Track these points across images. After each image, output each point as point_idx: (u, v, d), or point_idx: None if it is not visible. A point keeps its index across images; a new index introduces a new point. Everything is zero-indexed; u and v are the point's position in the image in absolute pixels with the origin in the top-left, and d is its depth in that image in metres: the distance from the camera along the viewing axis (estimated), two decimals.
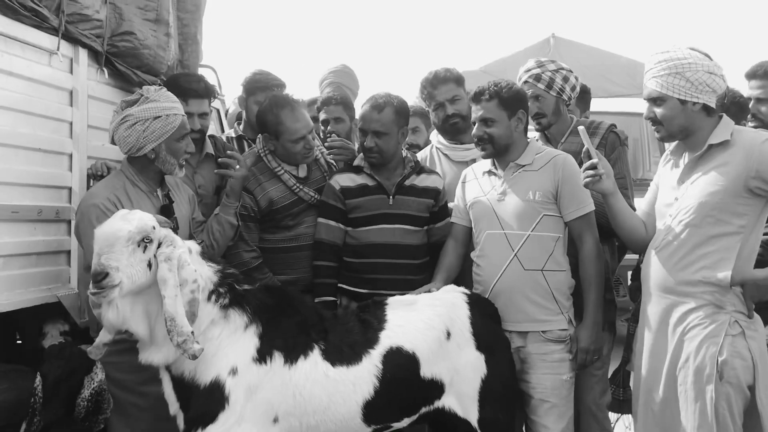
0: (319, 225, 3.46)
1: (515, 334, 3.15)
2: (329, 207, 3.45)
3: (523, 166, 3.21)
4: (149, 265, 2.44)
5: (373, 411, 2.66)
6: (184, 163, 3.14)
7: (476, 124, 3.21)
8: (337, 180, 3.47)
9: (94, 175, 3.33)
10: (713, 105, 2.77)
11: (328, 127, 4.14)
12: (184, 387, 2.55)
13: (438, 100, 3.71)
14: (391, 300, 2.96)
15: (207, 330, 2.54)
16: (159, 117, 2.96)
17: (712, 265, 2.71)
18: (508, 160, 3.23)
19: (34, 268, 3.06)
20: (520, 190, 3.17)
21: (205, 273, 2.59)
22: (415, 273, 3.35)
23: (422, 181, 3.49)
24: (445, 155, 3.77)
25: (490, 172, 3.30)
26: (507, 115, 3.18)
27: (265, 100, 3.64)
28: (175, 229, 2.88)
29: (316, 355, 2.64)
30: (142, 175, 3.07)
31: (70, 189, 3.27)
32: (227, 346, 2.56)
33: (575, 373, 3.17)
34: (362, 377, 2.67)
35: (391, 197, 3.43)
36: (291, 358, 2.60)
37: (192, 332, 2.37)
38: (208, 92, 3.70)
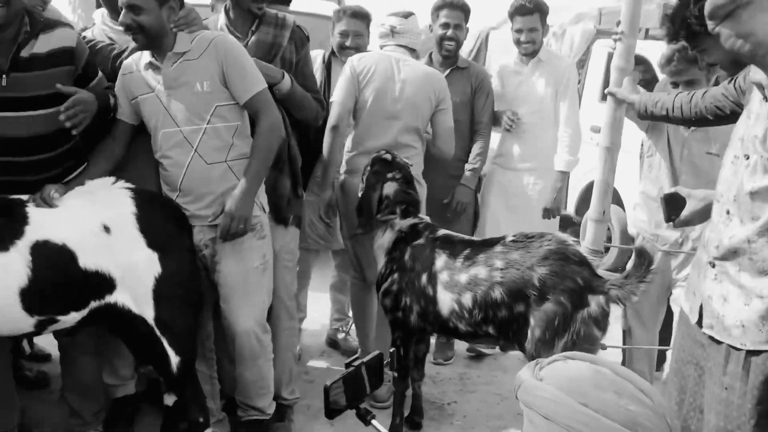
0: None
1: (206, 228, 2.97)
2: None
3: (183, 54, 2.86)
4: None
5: (31, 299, 2.60)
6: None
7: (123, 10, 2.74)
8: None
9: None
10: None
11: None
12: None
13: None
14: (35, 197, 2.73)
15: None
16: None
17: None
18: (165, 50, 2.84)
19: None
20: (187, 83, 2.84)
21: None
22: (50, 169, 2.81)
23: (44, 44, 2.70)
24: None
25: (151, 65, 2.89)
26: (157, 4, 2.76)
27: None
28: None
29: None
30: None
31: None
32: None
33: (266, 260, 3.04)
34: (12, 265, 2.56)
35: (3, 77, 2.64)
36: None
37: None
38: None
